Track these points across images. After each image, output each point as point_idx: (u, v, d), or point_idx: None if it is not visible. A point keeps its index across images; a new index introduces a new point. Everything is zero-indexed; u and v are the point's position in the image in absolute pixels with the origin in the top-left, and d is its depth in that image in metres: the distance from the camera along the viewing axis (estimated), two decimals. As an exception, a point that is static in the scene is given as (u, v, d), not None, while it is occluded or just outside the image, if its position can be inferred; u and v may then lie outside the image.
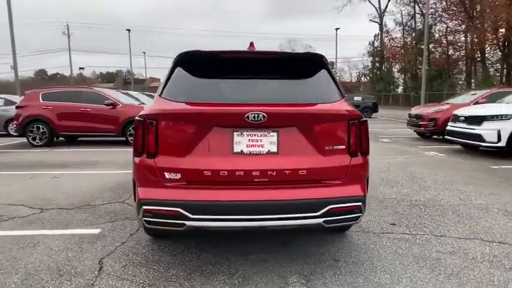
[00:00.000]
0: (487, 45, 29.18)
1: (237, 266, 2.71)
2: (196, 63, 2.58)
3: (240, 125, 2.31)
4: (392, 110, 32.17)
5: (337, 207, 2.33)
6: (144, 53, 53.17)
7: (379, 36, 48.87)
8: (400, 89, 47.66)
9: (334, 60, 42.65)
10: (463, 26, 31.63)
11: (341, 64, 58.06)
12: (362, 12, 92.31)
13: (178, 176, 2.31)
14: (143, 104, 10.78)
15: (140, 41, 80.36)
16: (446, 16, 34.50)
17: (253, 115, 2.24)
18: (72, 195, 4.65)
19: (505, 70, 29.53)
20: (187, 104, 2.37)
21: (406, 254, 2.91)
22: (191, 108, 2.35)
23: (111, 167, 6.62)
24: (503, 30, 26.90)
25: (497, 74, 31.53)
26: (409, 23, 43.50)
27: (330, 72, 2.67)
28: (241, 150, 2.33)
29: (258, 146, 2.33)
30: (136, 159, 2.44)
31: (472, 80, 33.45)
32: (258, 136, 2.34)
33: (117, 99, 10.02)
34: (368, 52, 51.19)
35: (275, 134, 2.35)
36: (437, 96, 28.60)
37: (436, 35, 38.28)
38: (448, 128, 8.42)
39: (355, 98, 23.78)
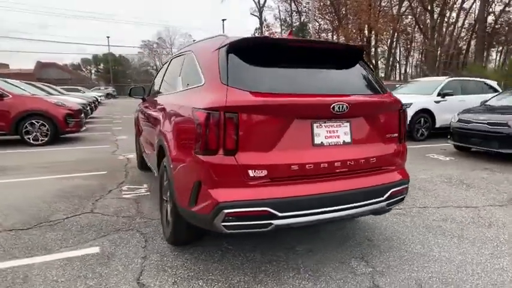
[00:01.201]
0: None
1: (293, 260, 2.66)
2: (253, 50, 2.36)
3: (322, 116, 2.26)
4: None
5: (396, 190, 2.54)
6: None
7: (260, 30, 51.59)
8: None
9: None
10: (335, 25, 36.09)
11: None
12: (246, 5, 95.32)
13: (264, 172, 2.12)
14: (35, 95, 8.97)
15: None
16: (320, 15, 38.78)
17: (338, 106, 2.22)
18: (12, 212, 3.65)
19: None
20: (269, 95, 2.16)
21: (414, 225, 3.34)
22: (277, 99, 2.16)
23: (30, 172, 5.37)
24: (366, 31, 31.90)
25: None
26: (288, 19, 47.25)
27: (366, 63, 2.81)
28: (321, 142, 2.28)
29: (335, 137, 2.33)
30: (206, 158, 2.12)
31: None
32: (334, 127, 2.33)
33: (4, 88, 8.05)
34: (250, 45, 53.42)
35: (348, 124, 2.38)
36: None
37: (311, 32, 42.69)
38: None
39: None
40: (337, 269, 2.53)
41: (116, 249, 2.83)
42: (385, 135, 2.55)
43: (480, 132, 6.24)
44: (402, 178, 2.62)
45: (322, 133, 2.29)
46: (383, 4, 33.56)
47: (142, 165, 5.31)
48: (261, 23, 51.29)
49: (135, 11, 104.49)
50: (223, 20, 41.58)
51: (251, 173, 2.10)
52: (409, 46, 40.77)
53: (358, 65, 2.70)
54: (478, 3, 30.53)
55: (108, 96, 41.28)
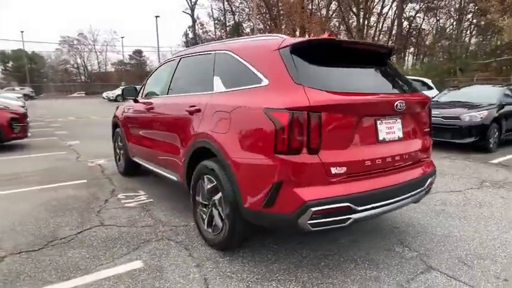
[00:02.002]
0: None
1: (345, 252, 2.78)
2: (314, 51, 2.40)
3: (385, 113, 2.41)
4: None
5: (431, 180, 2.81)
6: None
7: (193, 28, 50.66)
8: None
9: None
10: (267, 25, 37.06)
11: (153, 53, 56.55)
12: (178, 2, 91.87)
13: (344, 169, 2.19)
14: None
15: None
16: (255, 16, 39.55)
17: (400, 104, 2.39)
18: (6, 232, 3.15)
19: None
20: (346, 94, 2.23)
21: (423, 211, 3.71)
22: (354, 97, 2.24)
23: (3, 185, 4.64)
24: (298, 32, 33.37)
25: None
26: (222, 19, 47.08)
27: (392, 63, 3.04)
28: (384, 138, 2.43)
29: (392, 133, 2.49)
30: (290, 158, 2.12)
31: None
32: (391, 123, 2.49)
33: None
34: (184, 43, 52.20)
35: (400, 120, 2.56)
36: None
37: (248, 30, 43.25)
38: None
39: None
40: (389, 256, 2.71)
41: (160, 261, 2.65)
42: (422, 129, 2.80)
43: (434, 125, 7.03)
44: (434, 168, 2.91)
45: (384, 129, 2.44)
46: (312, 7, 35.40)
47: (129, 171, 4.96)
48: (194, 21, 50.40)
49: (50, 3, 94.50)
50: (156, 16, 39.92)
51: (333, 170, 2.16)
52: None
53: (391, 65, 2.91)
54: (394, 9, 34.04)
55: (25, 97, 36.79)
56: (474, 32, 29.41)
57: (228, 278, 2.41)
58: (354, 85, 2.43)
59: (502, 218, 3.52)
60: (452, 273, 2.46)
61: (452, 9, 32.26)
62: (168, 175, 3.57)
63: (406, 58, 37.31)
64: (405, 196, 2.52)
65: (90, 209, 3.76)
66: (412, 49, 43.64)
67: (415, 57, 38.48)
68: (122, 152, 5.02)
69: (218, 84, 2.87)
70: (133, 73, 58.47)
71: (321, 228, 2.19)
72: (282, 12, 33.88)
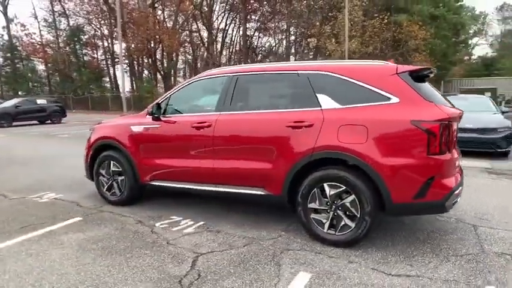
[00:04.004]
0: (136, 55, 33.53)
1: (428, 242, 3.63)
2: (418, 76, 3.15)
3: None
4: (90, 114, 29.06)
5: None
6: None
7: (7, 29, 41.63)
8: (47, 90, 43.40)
9: None
10: (114, 31, 34.34)
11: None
12: None
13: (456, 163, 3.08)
14: None
15: None
16: (98, 20, 36.05)
17: (461, 115, 3.36)
18: None
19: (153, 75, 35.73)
20: (451, 108, 3.12)
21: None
22: (455, 111, 3.13)
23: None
24: (152, 43, 32.46)
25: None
26: (51, 21, 40.40)
27: None
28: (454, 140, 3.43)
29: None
30: (441, 157, 2.84)
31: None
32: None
33: None
34: (-1, 46, 42.08)
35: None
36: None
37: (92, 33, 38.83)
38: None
39: (39, 101, 20.23)
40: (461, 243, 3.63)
41: (321, 267, 2.83)
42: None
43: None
44: None
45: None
46: (164, 17, 35.26)
47: (132, 198, 4.40)
48: (8, 21, 41.50)
49: None
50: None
51: (456, 163, 3.00)
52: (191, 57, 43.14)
53: None
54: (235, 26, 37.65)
55: None
56: (306, 51, 35.52)
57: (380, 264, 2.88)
58: (441, 101, 3.29)
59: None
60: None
61: (278, 30, 38.14)
62: (242, 191, 3.57)
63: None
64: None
65: (158, 246, 3.30)
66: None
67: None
68: (121, 178, 4.36)
69: (327, 101, 3.23)
70: None
71: (452, 207, 2.98)
72: (132, 21, 32.19)
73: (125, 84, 26.47)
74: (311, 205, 3.24)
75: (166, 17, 36.00)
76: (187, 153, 3.89)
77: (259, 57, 39.45)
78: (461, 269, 2.77)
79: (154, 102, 4.17)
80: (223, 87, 3.80)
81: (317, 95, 3.29)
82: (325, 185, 3.15)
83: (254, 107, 3.70)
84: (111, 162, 4.43)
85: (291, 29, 35.59)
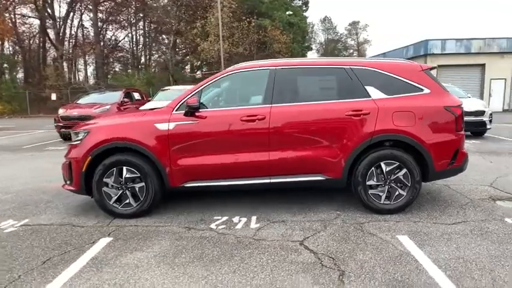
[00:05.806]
0: None
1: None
2: (430, 71, 4.09)
3: None
4: None
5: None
6: None
7: None
8: None
9: None
10: None
11: None
12: None
13: (459, 136, 4.18)
14: None
15: None
16: None
17: None
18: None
19: None
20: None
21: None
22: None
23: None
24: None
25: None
26: None
27: None
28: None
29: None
30: (462, 133, 3.86)
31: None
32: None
33: None
34: None
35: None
36: None
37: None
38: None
39: None
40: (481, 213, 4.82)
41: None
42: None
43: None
44: None
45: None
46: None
47: (152, 206, 3.89)
48: None
49: None
50: None
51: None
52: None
53: None
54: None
55: None
56: (165, 48, 34.14)
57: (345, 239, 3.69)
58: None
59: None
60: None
61: (126, 24, 35.09)
62: (300, 179, 3.78)
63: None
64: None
65: (246, 244, 3.16)
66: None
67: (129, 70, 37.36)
68: (140, 185, 3.75)
69: (375, 92, 3.78)
70: None
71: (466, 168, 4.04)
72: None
73: None
74: (369, 182, 3.76)
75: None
76: (237, 147, 3.76)
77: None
78: (473, 211, 3.86)
79: (184, 98, 3.80)
80: (268, 80, 3.85)
81: (365, 87, 3.81)
82: (382, 164, 3.73)
83: (305, 98, 3.90)
84: (123, 168, 3.76)
85: (140, 24, 33.41)
